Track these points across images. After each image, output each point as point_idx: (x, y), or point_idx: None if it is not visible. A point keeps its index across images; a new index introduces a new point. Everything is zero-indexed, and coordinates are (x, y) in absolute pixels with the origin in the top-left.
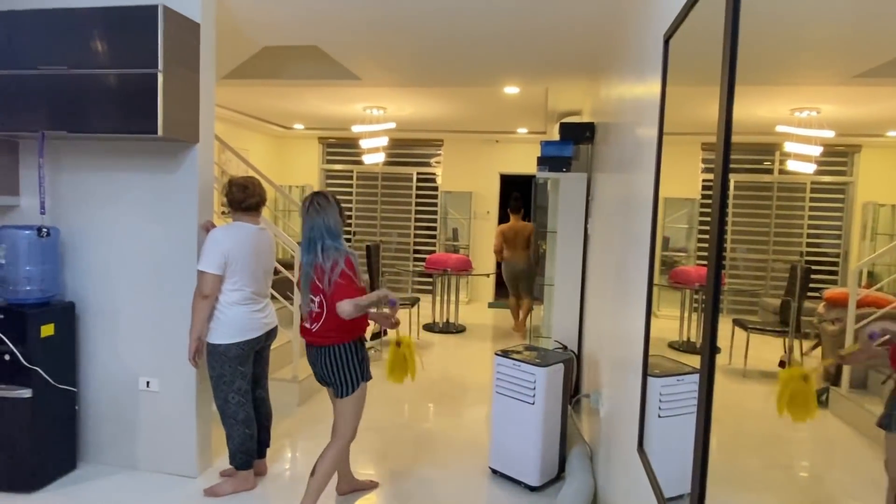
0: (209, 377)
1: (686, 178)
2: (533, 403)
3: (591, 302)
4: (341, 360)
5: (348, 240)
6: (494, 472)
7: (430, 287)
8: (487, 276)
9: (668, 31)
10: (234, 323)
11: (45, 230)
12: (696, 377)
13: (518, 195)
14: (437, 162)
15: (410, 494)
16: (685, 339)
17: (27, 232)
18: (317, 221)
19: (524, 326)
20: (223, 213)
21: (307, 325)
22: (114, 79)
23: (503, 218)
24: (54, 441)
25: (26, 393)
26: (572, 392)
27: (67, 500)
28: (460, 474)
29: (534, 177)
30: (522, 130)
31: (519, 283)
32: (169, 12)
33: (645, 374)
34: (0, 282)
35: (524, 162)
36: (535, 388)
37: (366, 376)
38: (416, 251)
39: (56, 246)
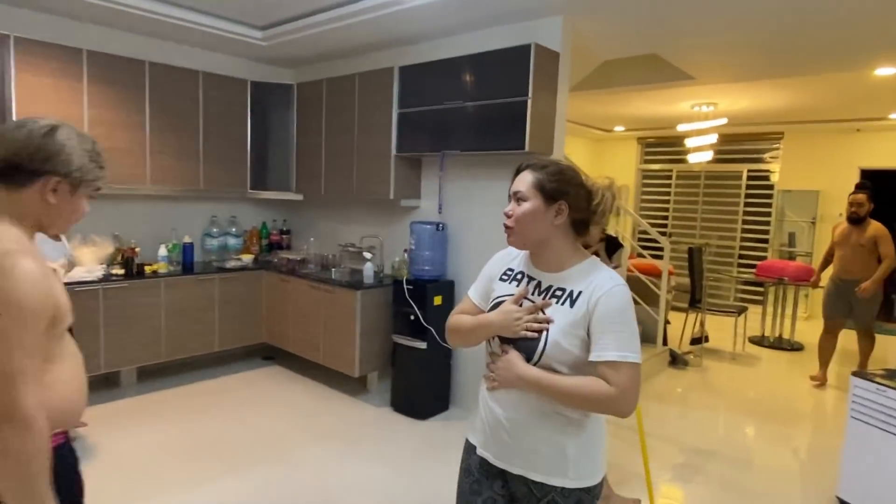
0: None
1: None
2: None
3: None
4: None
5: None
6: (843, 502)
7: (758, 297)
8: None
9: None
10: None
11: (440, 225)
12: None
13: (862, 197)
14: (772, 157)
15: None
16: None
17: (429, 226)
18: None
19: (866, 363)
20: None
21: None
22: (493, 107)
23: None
24: (437, 385)
25: (422, 345)
26: None
27: (444, 430)
28: (800, 497)
29: None
30: None
31: (852, 306)
32: (538, 48)
33: None
34: (410, 262)
35: None
36: None
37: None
38: (741, 256)
39: (445, 237)
